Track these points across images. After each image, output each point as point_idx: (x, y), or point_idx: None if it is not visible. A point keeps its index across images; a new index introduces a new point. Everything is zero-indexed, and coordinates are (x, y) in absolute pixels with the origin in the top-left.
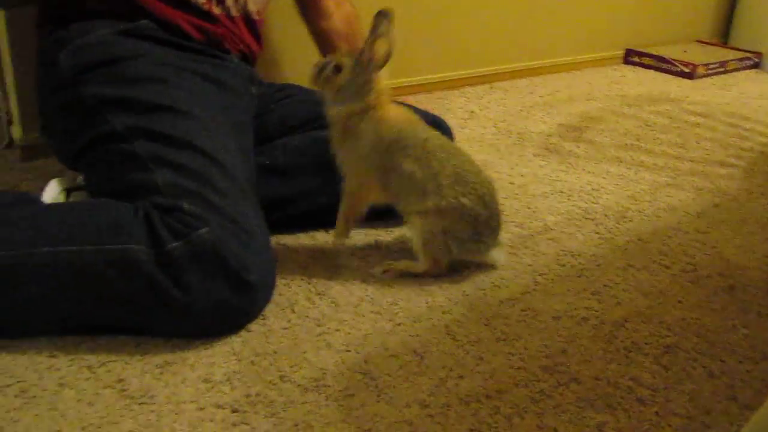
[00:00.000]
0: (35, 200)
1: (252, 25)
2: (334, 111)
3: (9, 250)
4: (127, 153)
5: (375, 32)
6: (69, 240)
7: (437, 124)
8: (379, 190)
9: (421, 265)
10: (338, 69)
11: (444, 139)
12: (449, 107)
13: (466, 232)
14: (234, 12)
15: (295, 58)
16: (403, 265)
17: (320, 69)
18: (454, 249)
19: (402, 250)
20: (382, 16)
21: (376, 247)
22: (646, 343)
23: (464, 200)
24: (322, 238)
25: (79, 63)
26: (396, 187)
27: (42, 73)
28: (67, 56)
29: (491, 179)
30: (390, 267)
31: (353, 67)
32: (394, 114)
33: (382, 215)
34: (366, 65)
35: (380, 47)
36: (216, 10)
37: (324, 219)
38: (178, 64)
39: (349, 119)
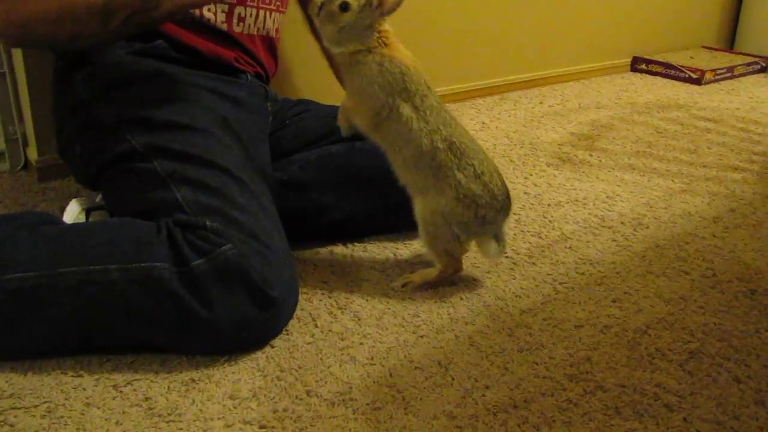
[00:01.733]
0: (57, 221)
1: (270, 43)
2: (336, 49)
3: (33, 271)
4: (146, 171)
5: None
6: (93, 260)
7: None
8: (371, 126)
9: (436, 267)
10: (344, 7)
11: (443, 105)
12: (460, 119)
13: (467, 215)
14: (253, 30)
15: (308, 74)
16: (419, 276)
17: (323, 2)
18: (458, 230)
19: (422, 262)
20: None
21: (395, 259)
22: (669, 350)
23: (459, 176)
24: (341, 252)
25: (96, 84)
26: (389, 130)
27: (58, 95)
28: (83, 78)
29: (492, 160)
30: (408, 280)
31: (361, 7)
32: (399, 55)
33: (400, 227)
34: (374, 8)
35: None
36: (236, 29)
37: (342, 233)
38: (194, 82)
39: (353, 56)
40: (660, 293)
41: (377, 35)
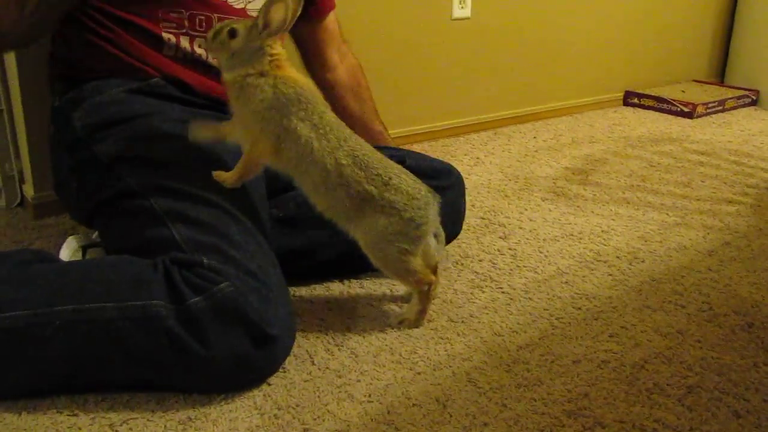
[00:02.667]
0: (53, 258)
1: None
2: (229, 75)
3: (29, 309)
4: (142, 209)
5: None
6: (89, 298)
7: (448, 171)
8: (272, 153)
9: (409, 291)
10: (233, 34)
11: (340, 121)
12: (455, 154)
13: (396, 225)
14: None
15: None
16: (409, 312)
17: (215, 33)
18: (404, 245)
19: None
20: None
21: (391, 295)
22: (668, 384)
23: (371, 188)
24: (337, 288)
25: (93, 122)
26: (291, 154)
27: (55, 133)
28: (80, 116)
29: (395, 164)
30: (402, 318)
31: (248, 32)
32: (293, 76)
33: None
34: (260, 30)
35: (276, 13)
36: None
37: (338, 269)
38: (190, 119)
39: (244, 80)
40: (657, 327)
41: (269, 58)
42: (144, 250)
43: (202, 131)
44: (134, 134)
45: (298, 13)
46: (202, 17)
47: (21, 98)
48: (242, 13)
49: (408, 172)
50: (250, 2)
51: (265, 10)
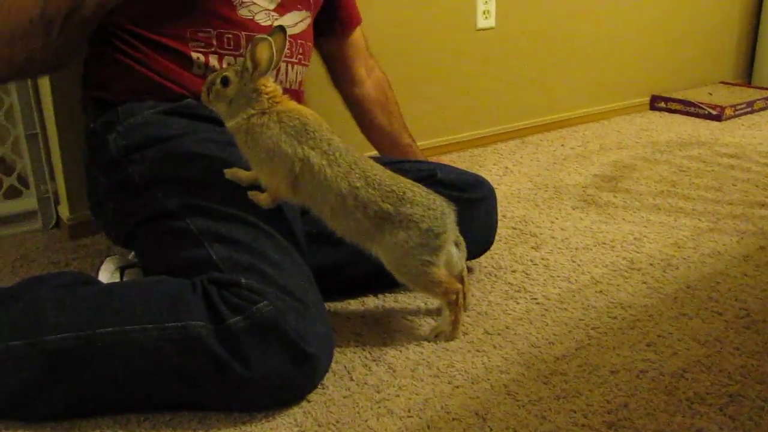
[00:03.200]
0: (93, 281)
1: (294, 96)
2: (232, 122)
3: (72, 332)
4: (180, 230)
5: (253, 42)
6: (130, 320)
7: (480, 183)
8: (290, 187)
9: (440, 305)
10: (225, 82)
11: (347, 145)
12: (483, 164)
13: (415, 238)
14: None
15: (332, 126)
16: (444, 324)
17: (209, 86)
18: (426, 257)
19: None
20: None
21: (426, 309)
22: (708, 393)
23: (385, 206)
24: (372, 303)
25: (128, 144)
26: (307, 184)
27: (91, 155)
28: (115, 138)
29: (404, 179)
30: (438, 331)
31: (239, 76)
32: (294, 108)
33: None
34: (251, 72)
35: (263, 53)
36: None
37: (373, 284)
38: (223, 140)
39: (248, 122)
40: (695, 335)
41: (266, 97)
42: (182, 271)
43: (237, 176)
44: (169, 155)
45: (284, 50)
46: (230, 36)
47: (55, 121)
48: (269, 29)
49: (420, 185)
50: (277, 19)
51: (251, 52)
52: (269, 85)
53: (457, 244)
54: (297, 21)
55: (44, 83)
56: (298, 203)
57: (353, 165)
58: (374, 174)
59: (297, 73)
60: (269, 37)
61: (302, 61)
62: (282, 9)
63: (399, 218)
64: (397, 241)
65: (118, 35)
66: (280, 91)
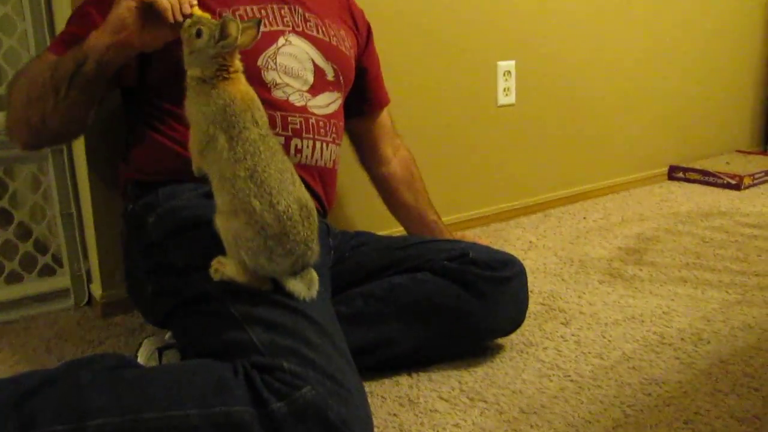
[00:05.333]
0: (134, 363)
1: (328, 175)
2: (188, 74)
3: (116, 417)
4: (220, 313)
5: (227, 17)
6: (174, 404)
7: (510, 261)
8: (199, 155)
9: (228, 267)
10: (198, 34)
11: (279, 147)
12: (507, 239)
13: (255, 242)
14: (311, 162)
15: (361, 205)
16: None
17: (191, 24)
18: (246, 257)
19: (490, 385)
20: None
21: (460, 387)
22: None
23: (255, 202)
24: (406, 382)
25: (168, 227)
26: (209, 158)
27: (130, 236)
28: (155, 220)
29: (311, 202)
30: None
31: (210, 37)
32: (235, 88)
33: (462, 354)
34: (217, 40)
35: (231, 29)
36: (293, 161)
37: (406, 363)
38: None
39: (192, 82)
40: (732, 413)
41: (217, 67)
42: (222, 353)
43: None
44: (208, 238)
45: (256, 37)
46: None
47: (91, 201)
48: (303, 110)
49: (313, 216)
50: (310, 100)
51: (223, 23)
52: (230, 61)
53: (302, 278)
54: (329, 102)
55: (81, 164)
56: (203, 168)
57: (248, 156)
58: (264, 171)
59: (331, 152)
60: (240, 23)
61: (335, 141)
62: (314, 90)
63: (255, 218)
64: (240, 233)
65: (156, 116)
66: (239, 68)
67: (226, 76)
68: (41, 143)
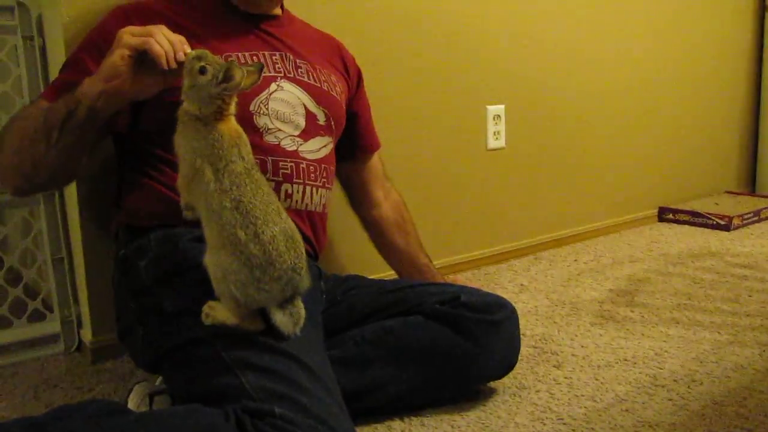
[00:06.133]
0: (124, 409)
1: (318, 219)
2: (184, 105)
3: None
4: (210, 358)
5: (233, 63)
6: None
7: (502, 304)
8: (185, 188)
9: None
10: (203, 71)
11: (264, 180)
12: (498, 282)
13: (242, 273)
14: (301, 207)
15: (352, 249)
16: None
17: (194, 58)
18: (235, 291)
19: (483, 429)
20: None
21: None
22: None
23: (240, 233)
24: (398, 426)
25: (159, 271)
26: (195, 191)
27: (121, 281)
28: (147, 265)
29: (297, 234)
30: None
31: (213, 77)
32: (224, 126)
33: (455, 398)
34: (219, 82)
35: (236, 73)
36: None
37: (399, 407)
38: None
39: (189, 118)
40: None
41: (216, 109)
42: (213, 398)
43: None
44: (200, 285)
45: (257, 82)
46: (257, 160)
47: (82, 245)
48: (294, 155)
49: (298, 246)
50: (301, 144)
51: (227, 68)
52: (229, 102)
53: (289, 312)
54: (320, 146)
55: (72, 208)
56: (190, 202)
57: (234, 188)
58: (249, 202)
59: (321, 196)
60: (243, 68)
61: (326, 185)
62: (306, 135)
63: (240, 249)
64: (227, 265)
65: (148, 161)
66: (233, 112)
67: (219, 117)
68: (33, 189)
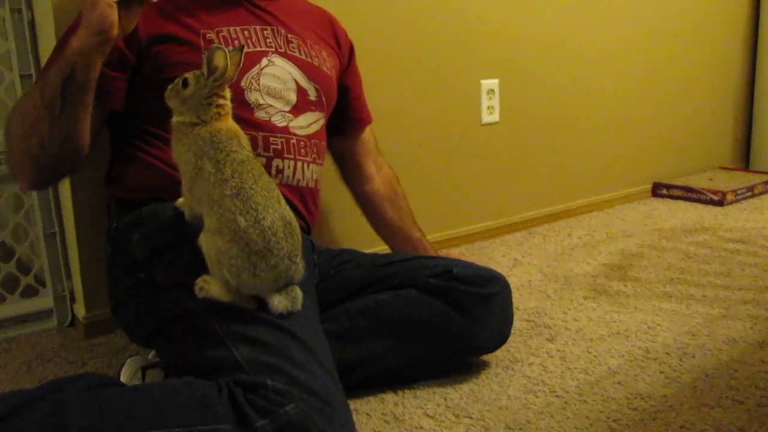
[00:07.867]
0: (116, 382)
1: (310, 194)
2: (178, 119)
3: None
4: (204, 330)
5: (210, 49)
6: (157, 423)
7: (494, 277)
8: (186, 187)
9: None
10: (185, 83)
11: (263, 170)
12: (492, 256)
13: (239, 258)
14: (292, 182)
15: (345, 222)
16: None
17: (173, 85)
18: (229, 276)
19: (476, 402)
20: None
21: (445, 404)
22: None
23: (240, 219)
24: (391, 399)
25: (152, 245)
26: (197, 188)
27: (113, 255)
28: (139, 238)
29: (295, 221)
30: None
31: (196, 80)
32: (225, 126)
33: (448, 371)
34: (206, 77)
35: (218, 61)
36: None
37: (392, 380)
38: None
39: (188, 126)
40: (718, 426)
41: (215, 108)
42: (206, 371)
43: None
44: (192, 258)
45: (239, 65)
46: (248, 136)
47: (74, 221)
48: (285, 131)
49: (297, 234)
50: (292, 120)
51: (208, 58)
52: (224, 95)
53: (286, 294)
54: (311, 122)
55: (64, 183)
56: (196, 211)
57: (235, 176)
58: (250, 189)
59: (312, 171)
60: (224, 48)
61: (317, 161)
62: (296, 110)
63: (240, 234)
64: (224, 249)
65: (142, 137)
66: (229, 107)
67: (218, 117)
68: (45, 176)
